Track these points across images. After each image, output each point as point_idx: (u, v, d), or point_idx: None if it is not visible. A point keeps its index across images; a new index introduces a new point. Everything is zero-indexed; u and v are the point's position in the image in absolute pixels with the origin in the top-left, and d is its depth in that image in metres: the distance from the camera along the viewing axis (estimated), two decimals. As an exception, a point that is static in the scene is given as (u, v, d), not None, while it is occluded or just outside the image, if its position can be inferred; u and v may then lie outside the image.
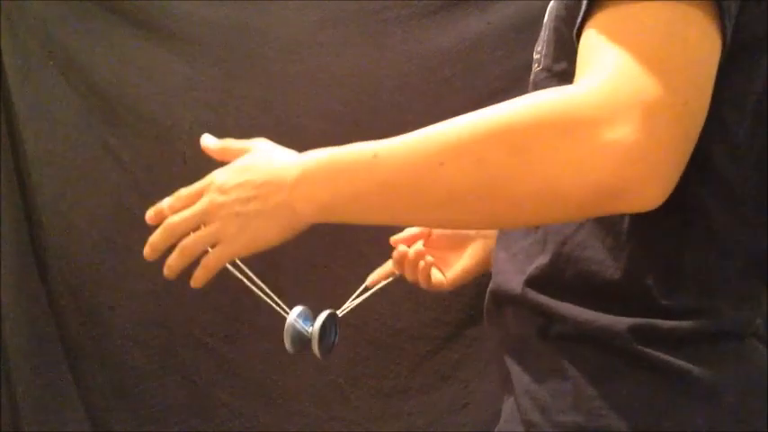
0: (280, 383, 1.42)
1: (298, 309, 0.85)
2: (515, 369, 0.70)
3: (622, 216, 0.63)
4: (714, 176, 0.62)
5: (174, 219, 0.72)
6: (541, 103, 0.54)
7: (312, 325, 0.84)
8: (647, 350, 0.62)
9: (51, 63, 1.45)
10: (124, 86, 1.45)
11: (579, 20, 0.56)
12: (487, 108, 0.56)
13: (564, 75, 0.64)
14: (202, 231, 0.70)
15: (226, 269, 0.78)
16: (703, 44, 0.52)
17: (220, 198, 0.69)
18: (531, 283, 0.68)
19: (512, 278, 0.71)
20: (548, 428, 0.65)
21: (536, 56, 0.73)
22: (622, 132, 0.49)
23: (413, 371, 1.39)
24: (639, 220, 0.62)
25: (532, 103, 0.54)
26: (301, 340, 0.83)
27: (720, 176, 0.62)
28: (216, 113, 1.43)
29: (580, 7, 0.57)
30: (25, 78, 1.46)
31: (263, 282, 0.88)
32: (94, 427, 1.44)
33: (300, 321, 0.84)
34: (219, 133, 1.44)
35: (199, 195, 0.72)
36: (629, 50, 0.51)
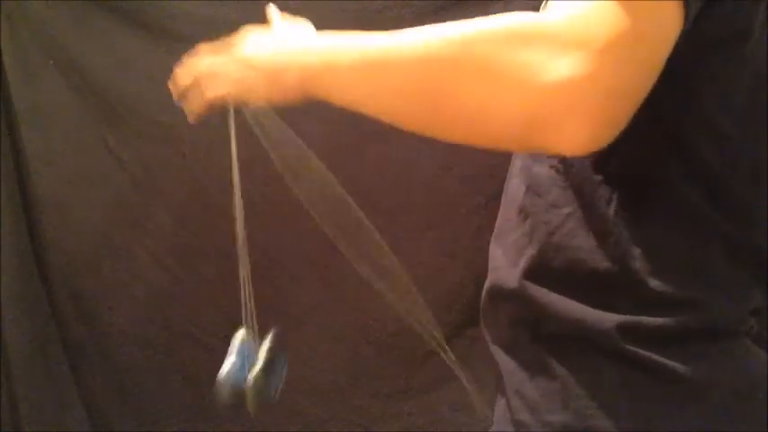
0: (280, 383, 1.42)
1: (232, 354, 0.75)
2: (507, 368, 0.69)
3: (609, 202, 0.63)
4: (701, 167, 0.62)
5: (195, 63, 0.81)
6: (508, 24, 0.54)
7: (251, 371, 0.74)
8: (636, 349, 0.61)
9: (51, 63, 1.45)
10: (124, 86, 1.45)
11: None
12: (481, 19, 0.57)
13: None
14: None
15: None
16: (663, 15, 0.52)
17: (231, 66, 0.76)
18: (526, 275, 0.68)
19: (506, 273, 0.71)
20: (537, 428, 0.64)
21: None
22: (565, 66, 0.49)
23: (413, 371, 1.39)
24: (626, 206, 0.62)
25: (501, 22, 0.55)
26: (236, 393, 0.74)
27: (709, 168, 0.62)
28: (216, 113, 1.43)
29: None
30: (25, 78, 1.46)
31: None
32: (94, 427, 1.44)
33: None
34: (219, 133, 1.44)
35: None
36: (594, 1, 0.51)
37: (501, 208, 0.77)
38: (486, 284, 0.76)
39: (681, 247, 0.62)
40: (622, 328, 0.61)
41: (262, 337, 0.78)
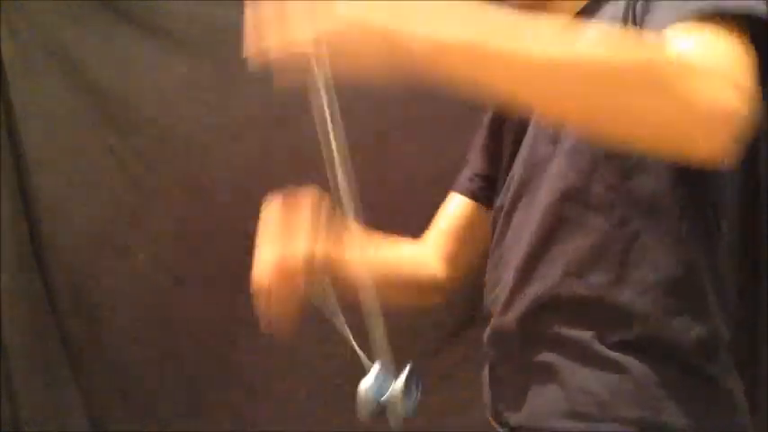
0: (280, 383, 1.42)
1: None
2: (567, 369, 0.74)
3: (680, 219, 0.72)
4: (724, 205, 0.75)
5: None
6: (660, 52, 0.63)
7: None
8: (702, 365, 0.72)
9: (51, 63, 1.45)
10: (124, 86, 1.45)
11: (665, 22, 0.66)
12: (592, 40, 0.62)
13: None
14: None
15: None
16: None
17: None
18: (606, 286, 0.73)
19: (567, 283, 0.75)
20: (609, 422, 0.71)
21: None
22: (726, 99, 0.60)
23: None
24: (693, 225, 0.73)
25: (652, 49, 0.63)
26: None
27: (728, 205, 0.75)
28: (216, 113, 1.44)
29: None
30: (25, 78, 1.46)
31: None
32: (94, 427, 1.44)
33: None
34: (220, 133, 1.45)
35: None
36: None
37: (534, 222, 0.79)
38: (532, 293, 0.78)
39: (720, 269, 0.73)
40: (693, 347, 0.71)
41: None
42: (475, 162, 1.00)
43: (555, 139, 0.77)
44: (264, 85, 1.53)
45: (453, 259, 0.99)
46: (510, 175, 0.84)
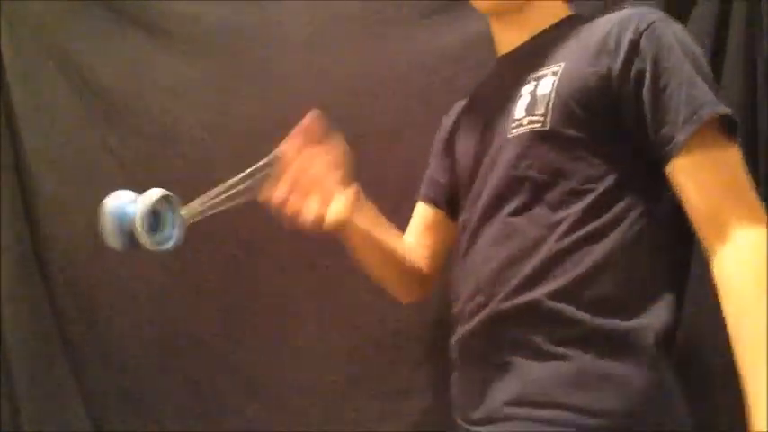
0: (280, 384, 1.42)
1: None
2: (524, 365, 0.83)
3: (621, 249, 0.83)
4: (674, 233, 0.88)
5: None
6: None
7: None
8: (637, 356, 0.79)
9: (51, 63, 1.46)
10: (124, 86, 1.45)
11: (675, 148, 0.80)
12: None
13: (572, 140, 0.85)
14: None
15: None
16: None
17: None
18: (553, 296, 0.83)
19: (522, 294, 0.85)
20: (549, 407, 0.79)
21: (523, 114, 0.88)
22: None
23: (413, 371, 1.38)
24: (636, 250, 0.84)
25: None
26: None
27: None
28: (216, 113, 1.44)
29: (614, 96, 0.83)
30: (25, 78, 1.46)
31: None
32: (94, 427, 1.44)
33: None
34: (219, 133, 1.45)
35: None
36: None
37: (497, 241, 0.90)
38: (494, 304, 0.87)
39: (664, 280, 0.84)
40: (632, 339, 0.80)
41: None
42: (435, 168, 1.13)
43: (516, 167, 0.87)
44: (264, 86, 1.54)
45: (431, 260, 1.13)
46: (473, 195, 0.94)
